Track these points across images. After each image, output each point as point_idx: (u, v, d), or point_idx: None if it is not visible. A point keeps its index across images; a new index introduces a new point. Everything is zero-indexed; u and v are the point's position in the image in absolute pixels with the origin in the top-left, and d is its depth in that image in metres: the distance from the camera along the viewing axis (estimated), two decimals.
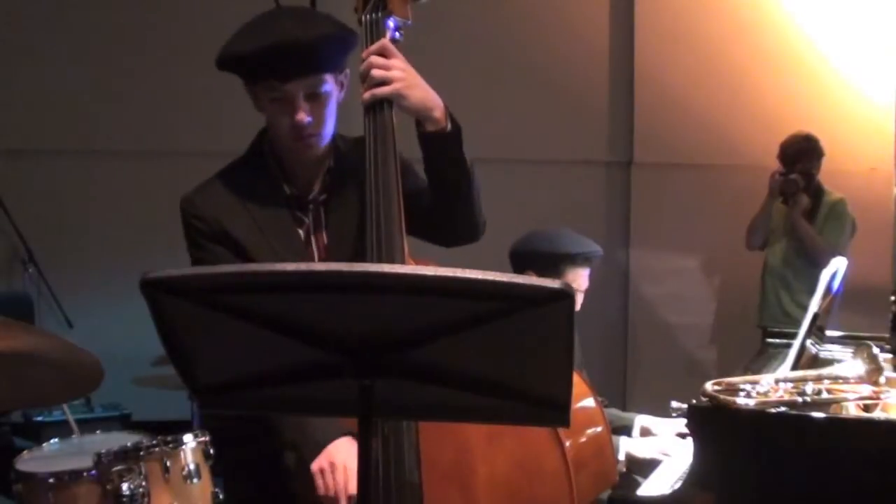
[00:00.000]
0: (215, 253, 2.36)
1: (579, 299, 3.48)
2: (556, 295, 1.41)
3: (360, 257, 2.29)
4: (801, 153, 5.32)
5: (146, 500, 2.86)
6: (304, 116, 2.32)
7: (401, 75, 2.27)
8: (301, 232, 2.43)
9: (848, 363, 2.57)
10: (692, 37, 6.02)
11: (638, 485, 2.96)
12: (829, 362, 2.82)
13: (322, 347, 1.52)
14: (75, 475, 2.93)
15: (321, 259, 2.41)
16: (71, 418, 3.60)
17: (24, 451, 3.21)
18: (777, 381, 2.51)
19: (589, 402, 2.57)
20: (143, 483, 2.86)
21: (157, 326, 1.52)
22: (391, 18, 2.36)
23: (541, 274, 3.42)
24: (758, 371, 2.95)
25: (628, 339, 6.26)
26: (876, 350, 2.55)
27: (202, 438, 2.98)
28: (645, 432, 3.45)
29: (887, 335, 3.09)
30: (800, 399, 2.42)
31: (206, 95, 5.43)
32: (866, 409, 2.51)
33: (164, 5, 5.97)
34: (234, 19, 2.42)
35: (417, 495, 2.23)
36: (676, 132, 6.03)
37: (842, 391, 2.48)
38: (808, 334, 2.82)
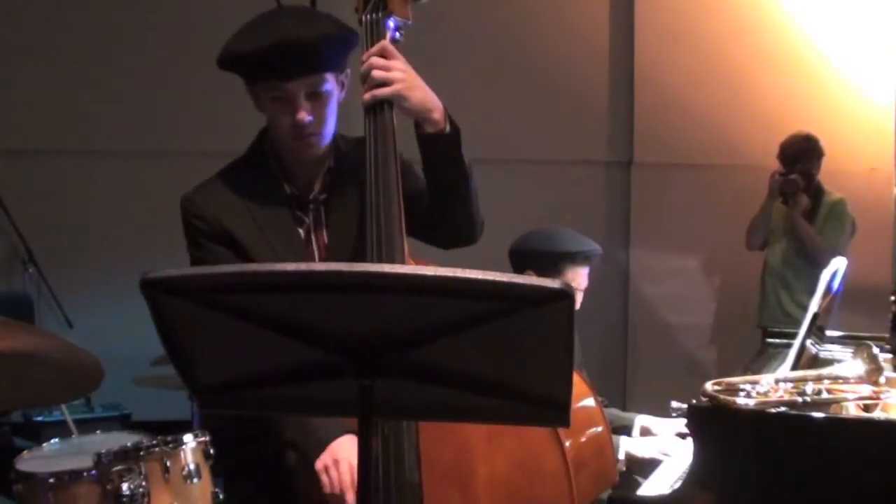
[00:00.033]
0: (215, 252, 2.36)
1: (579, 298, 3.48)
2: (556, 295, 1.41)
3: (360, 257, 2.29)
4: (801, 153, 5.32)
5: (146, 500, 2.86)
6: (305, 116, 2.33)
7: (401, 76, 2.27)
8: (301, 231, 2.43)
9: (848, 363, 2.57)
10: (692, 37, 6.02)
11: (638, 485, 2.96)
12: (829, 362, 2.82)
13: (322, 347, 1.52)
14: (75, 475, 2.93)
15: (321, 258, 2.41)
16: (69, 419, 3.61)
17: (24, 451, 3.21)
18: (777, 381, 2.51)
19: (589, 401, 2.57)
20: (143, 483, 2.86)
21: (157, 326, 1.52)
22: (391, 18, 2.36)
23: (540, 273, 3.42)
24: (758, 371, 2.95)
25: (628, 339, 6.26)
26: (876, 350, 2.55)
27: (202, 438, 2.98)
28: (645, 432, 3.45)
29: (887, 335, 3.09)
30: (800, 399, 2.42)
31: (206, 95, 5.44)
32: (866, 409, 2.51)
33: (164, 5, 5.97)
34: (235, 19, 2.42)
35: (417, 495, 2.22)
36: (676, 132, 6.03)
37: (842, 391, 2.48)
38: (808, 334, 2.82)
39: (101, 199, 5.96)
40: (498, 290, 1.42)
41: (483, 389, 1.55)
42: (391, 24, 2.36)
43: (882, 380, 2.50)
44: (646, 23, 6.09)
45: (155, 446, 2.91)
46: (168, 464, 2.89)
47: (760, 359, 3.32)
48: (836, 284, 2.99)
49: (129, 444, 2.93)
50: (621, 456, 3.27)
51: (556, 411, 1.56)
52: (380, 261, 2.23)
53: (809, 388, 2.45)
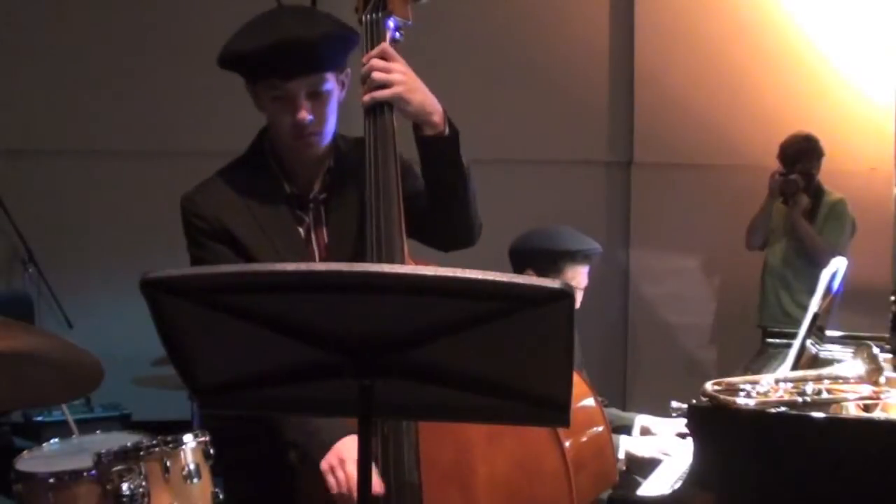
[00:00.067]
0: (216, 252, 2.36)
1: (579, 297, 3.48)
2: (556, 295, 1.41)
3: (360, 257, 2.29)
4: (801, 153, 5.32)
5: (146, 500, 2.86)
6: (305, 115, 2.33)
7: (402, 79, 2.28)
8: (301, 230, 2.43)
9: (848, 363, 2.57)
10: (692, 37, 6.02)
11: (638, 485, 2.96)
12: (829, 362, 2.82)
13: (322, 347, 1.52)
14: (75, 475, 2.93)
15: (321, 258, 2.41)
16: (70, 419, 3.60)
17: (24, 451, 3.21)
18: (777, 381, 2.51)
19: (589, 402, 2.57)
20: (143, 483, 2.86)
21: (157, 326, 1.52)
22: (391, 18, 2.36)
23: (540, 271, 3.42)
24: (758, 371, 2.95)
25: (628, 339, 6.26)
26: (876, 350, 2.55)
27: (202, 438, 2.98)
28: (645, 432, 3.45)
29: (887, 335, 3.09)
30: (800, 399, 2.42)
31: (206, 95, 5.44)
32: (866, 409, 2.51)
33: (164, 5, 5.97)
34: (235, 19, 2.42)
35: (417, 495, 2.23)
36: (676, 132, 6.03)
37: (842, 391, 2.48)
38: (808, 334, 2.82)
39: (101, 199, 5.96)
40: (498, 290, 1.42)
41: (483, 389, 1.55)
42: (391, 24, 2.36)
43: (882, 380, 2.50)
44: (646, 23, 6.09)
45: (155, 446, 2.91)
46: (168, 464, 2.89)
47: (760, 359, 3.32)
48: (836, 284, 2.99)
49: (129, 444, 2.93)
50: (621, 455, 3.27)
51: (556, 411, 1.56)
52: (380, 261, 2.24)
53: (809, 388, 2.45)
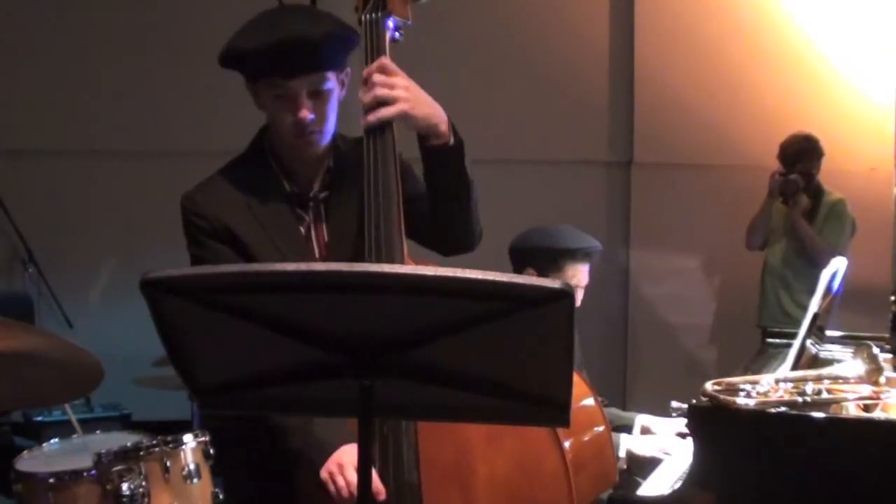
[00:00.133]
0: (216, 251, 2.36)
1: (579, 295, 3.48)
2: (556, 295, 1.41)
3: (360, 256, 2.29)
4: (801, 153, 5.32)
5: (146, 500, 2.86)
6: (307, 114, 2.33)
7: (405, 95, 2.25)
8: (302, 229, 2.43)
9: (848, 363, 2.57)
10: (692, 37, 6.02)
11: (638, 485, 2.96)
12: (829, 362, 2.82)
13: (322, 347, 1.52)
14: (75, 475, 2.93)
15: (321, 256, 2.41)
16: (73, 418, 3.60)
17: (24, 451, 3.21)
18: (777, 381, 2.51)
19: (589, 401, 2.57)
20: (143, 483, 2.86)
21: (157, 326, 1.52)
22: (391, 18, 2.36)
23: (541, 270, 3.43)
24: (758, 371, 2.95)
25: (628, 339, 6.26)
26: (876, 350, 2.55)
27: (202, 438, 2.98)
28: (645, 432, 3.45)
29: (887, 335, 3.09)
30: (800, 399, 2.42)
31: (205, 95, 5.44)
32: (866, 409, 2.51)
33: (164, 5, 5.97)
34: (235, 19, 2.42)
35: (417, 495, 2.23)
36: (676, 132, 6.03)
37: (842, 391, 2.48)
38: (808, 334, 2.82)
39: (101, 199, 5.96)
40: (498, 290, 1.42)
41: (483, 389, 1.55)
42: (391, 23, 2.36)
43: (882, 380, 2.50)
44: (646, 23, 6.09)
45: (155, 446, 2.91)
46: (168, 464, 2.89)
47: (760, 359, 3.32)
48: (836, 284, 2.99)
49: (129, 444, 2.93)
50: (622, 454, 3.27)
51: (556, 411, 1.56)
52: (379, 261, 2.23)
53: (809, 388, 2.45)
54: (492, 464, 2.30)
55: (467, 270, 1.41)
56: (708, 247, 6.07)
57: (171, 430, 3.01)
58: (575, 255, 3.48)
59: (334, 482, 2.19)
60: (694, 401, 2.47)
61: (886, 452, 2.34)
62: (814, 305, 2.89)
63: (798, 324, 2.91)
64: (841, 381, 2.51)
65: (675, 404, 2.63)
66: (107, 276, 5.64)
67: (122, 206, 5.89)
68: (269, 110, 2.39)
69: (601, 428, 2.59)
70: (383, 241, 2.25)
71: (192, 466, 2.94)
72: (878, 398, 2.47)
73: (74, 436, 3.43)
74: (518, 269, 3.49)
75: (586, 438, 2.53)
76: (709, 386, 2.47)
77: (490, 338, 1.48)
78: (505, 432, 2.26)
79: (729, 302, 6.04)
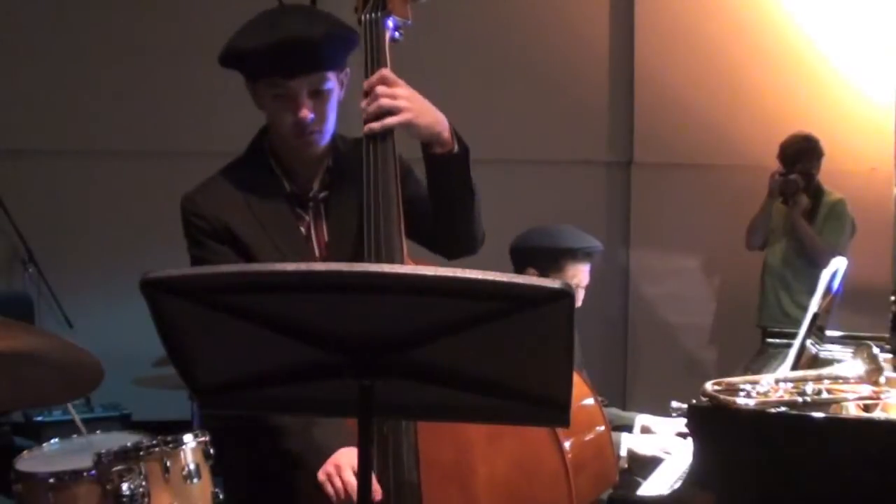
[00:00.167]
0: (216, 251, 2.36)
1: (580, 295, 3.49)
2: (556, 295, 1.41)
3: (360, 256, 2.29)
4: (801, 153, 5.32)
5: (146, 500, 2.86)
6: (307, 113, 2.33)
7: (408, 105, 2.27)
8: (302, 229, 2.43)
9: (848, 363, 2.57)
10: (692, 37, 6.02)
11: (638, 485, 2.96)
12: (829, 362, 2.82)
13: (322, 347, 1.52)
14: (75, 475, 2.94)
15: (321, 256, 2.41)
16: (77, 418, 3.60)
17: (24, 451, 3.21)
18: (777, 381, 2.51)
19: (589, 401, 2.57)
20: (143, 483, 2.86)
21: (157, 326, 1.52)
22: (391, 18, 2.36)
23: (542, 270, 3.43)
24: (758, 371, 2.95)
25: (628, 339, 6.26)
26: (876, 350, 2.55)
27: (202, 438, 2.99)
28: (645, 431, 3.45)
29: (887, 335, 3.09)
30: (800, 399, 2.42)
31: (205, 95, 5.44)
32: (866, 409, 2.51)
33: (164, 5, 5.97)
34: (235, 19, 2.42)
35: (416, 495, 2.23)
36: (676, 132, 6.03)
37: (842, 391, 2.48)
38: (808, 334, 2.82)
39: (101, 199, 5.97)
40: (498, 290, 1.42)
41: (483, 389, 1.55)
42: (390, 23, 2.36)
43: (882, 380, 2.50)
44: (646, 23, 6.09)
45: (155, 446, 2.91)
46: (168, 464, 2.90)
47: (760, 359, 3.32)
48: (836, 284, 2.99)
49: (129, 444, 2.93)
50: (623, 452, 3.27)
51: (556, 411, 1.56)
52: (379, 261, 2.23)
53: (809, 388, 2.45)
54: (492, 464, 2.30)
55: (467, 270, 1.41)
56: (708, 247, 6.07)
57: (171, 430, 3.01)
58: (576, 254, 3.48)
59: (332, 483, 2.20)
60: (694, 401, 2.47)
61: (886, 452, 2.34)
62: (814, 305, 2.89)
63: (798, 324, 2.91)
64: (841, 381, 2.51)
65: (675, 404, 2.63)
66: (107, 276, 5.63)
67: (122, 206, 5.89)
68: (268, 110, 2.39)
69: (601, 428, 2.59)
70: (383, 240, 2.25)
71: (192, 466, 2.94)
72: (878, 398, 2.47)
73: (75, 436, 3.43)
74: (519, 270, 3.49)
75: (586, 438, 2.53)
76: (709, 386, 2.47)
77: (490, 338, 1.48)
78: (505, 432, 2.26)
79: (729, 302, 6.04)
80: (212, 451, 2.98)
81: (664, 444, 3.28)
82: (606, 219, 6.18)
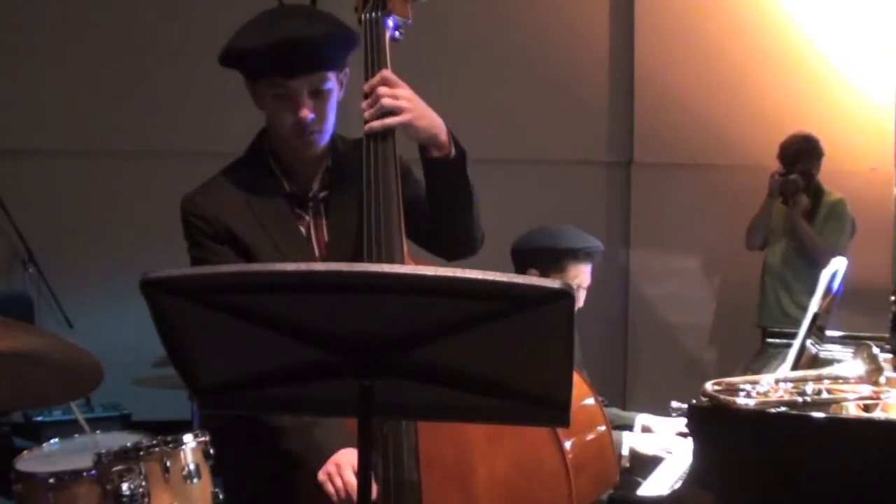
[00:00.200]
0: (217, 252, 2.36)
1: (582, 296, 3.49)
2: (556, 295, 1.41)
3: (360, 256, 2.29)
4: (801, 153, 5.32)
5: (146, 500, 2.86)
6: (307, 113, 2.33)
7: (409, 106, 2.28)
8: (302, 228, 2.43)
9: (848, 363, 2.57)
10: (692, 37, 6.02)
11: (638, 485, 2.96)
12: (829, 362, 2.82)
13: (322, 347, 1.52)
14: (75, 475, 2.93)
15: (321, 256, 2.41)
16: (81, 418, 3.59)
17: (24, 451, 3.21)
18: (777, 381, 2.51)
19: (589, 401, 2.57)
20: (143, 483, 2.86)
21: (157, 326, 1.52)
22: (391, 17, 2.36)
23: (543, 270, 3.43)
24: (758, 371, 2.95)
25: (628, 339, 6.26)
26: (876, 350, 2.55)
27: (202, 438, 2.99)
28: (646, 431, 3.45)
29: (887, 335, 3.09)
30: (800, 399, 2.42)
31: (205, 95, 5.45)
32: (866, 409, 2.51)
33: (164, 5, 5.97)
34: (235, 19, 2.42)
35: (417, 495, 2.23)
36: (676, 132, 6.03)
37: (842, 391, 2.48)
38: (808, 334, 2.82)
39: (101, 199, 5.96)
40: (498, 290, 1.42)
41: (483, 389, 1.55)
42: (390, 23, 2.37)
43: (882, 380, 2.50)
44: (646, 23, 6.09)
45: (155, 446, 2.91)
46: (168, 464, 2.89)
47: (760, 359, 3.32)
48: (836, 284, 2.99)
49: (129, 444, 2.93)
50: (625, 451, 3.28)
51: (556, 411, 1.56)
52: (379, 261, 2.24)
53: (809, 388, 2.45)
54: (492, 464, 2.30)
55: (467, 270, 1.41)
56: (708, 247, 6.07)
57: (171, 430, 3.01)
58: (577, 255, 3.48)
59: (332, 483, 2.20)
60: (694, 401, 2.47)
61: (886, 452, 2.34)
62: (814, 305, 2.89)
63: (798, 324, 2.91)
64: (841, 381, 2.51)
65: (675, 404, 2.63)
66: (107, 276, 5.63)
67: (122, 206, 5.89)
68: (268, 110, 2.39)
69: (602, 428, 2.59)
70: (384, 240, 2.25)
71: (192, 466, 2.94)
72: (878, 398, 2.47)
73: (76, 435, 3.43)
74: (521, 270, 3.49)
75: (587, 439, 2.53)
76: (709, 386, 2.47)
77: (490, 338, 1.48)
78: (505, 432, 2.26)
79: (729, 302, 6.04)
80: (212, 451, 2.98)
81: (666, 443, 3.28)
82: (606, 219, 6.18)
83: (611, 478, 2.62)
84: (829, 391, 2.46)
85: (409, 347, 1.51)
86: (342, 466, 2.20)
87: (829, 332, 3.23)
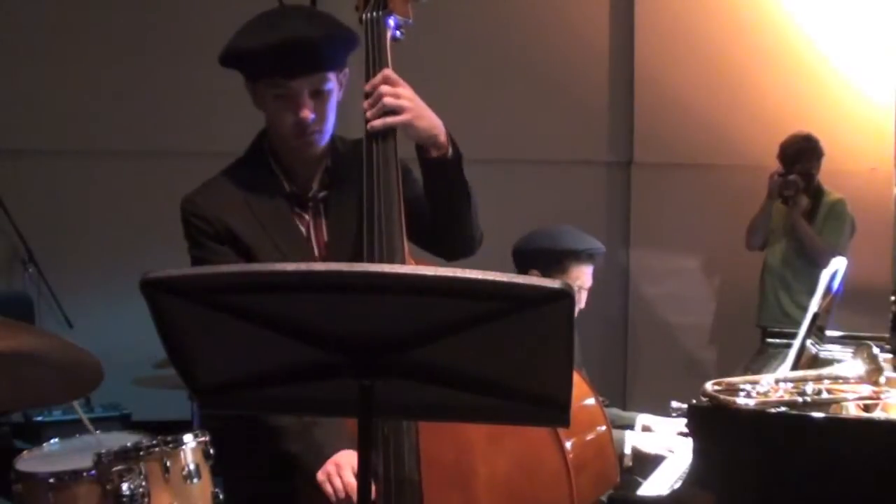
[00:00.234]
0: (217, 252, 2.36)
1: (583, 297, 3.49)
2: (556, 295, 1.41)
3: (360, 256, 2.29)
4: (801, 153, 5.31)
5: (146, 500, 2.86)
6: (308, 113, 2.33)
7: (410, 105, 2.28)
8: (302, 228, 2.43)
9: (848, 363, 2.57)
10: (692, 37, 6.02)
11: (638, 485, 2.96)
12: (829, 362, 2.82)
13: (322, 347, 1.52)
14: (75, 475, 2.93)
15: (321, 256, 2.41)
16: (85, 418, 3.59)
17: (24, 451, 3.21)
18: (777, 381, 2.51)
19: (590, 401, 2.57)
20: (143, 483, 2.86)
21: (157, 326, 1.52)
22: (392, 17, 2.36)
23: (545, 271, 3.43)
24: (758, 371, 2.95)
25: (628, 339, 6.26)
26: (876, 350, 2.55)
27: (202, 438, 2.99)
28: (646, 431, 3.45)
29: (887, 335, 3.09)
30: (800, 399, 2.42)
31: (205, 95, 5.45)
32: (866, 409, 2.51)
33: (164, 5, 5.97)
34: (235, 19, 2.42)
35: (417, 495, 2.23)
36: (676, 132, 6.03)
37: (842, 391, 2.48)
38: (808, 334, 2.82)
39: (101, 199, 5.96)
40: (498, 290, 1.42)
41: (483, 389, 1.55)
42: (391, 22, 2.37)
43: (882, 380, 2.50)
44: (646, 23, 6.09)
45: (155, 446, 2.91)
46: (168, 464, 2.90)
47: (760, 359, 3.32)
48: (835, 284, 2.99)
49: (129, 444, 2.93)
50: (628, 450, 3.28)
51: (556, 411, 1.56)
52: (380, 261, 2.24)
53: (809, 388, 2.45)
54: (492, 464, 2.30)
55: (467, 270, 1.41)
56: (708, 247, 6.07)
57: (171, 430, 3.01)
58: (579, 256, 3.49)
59: (331, 483, 2.20)
60: (694, 401, 2.47)
61: (886, 452, 2.34)
62: (814, 305, 2.89)
63: (798, 324, 2.91)
64: (841, 381, 2.51)
65: (675, 404, 2.63)
66: (107, 276, 5.63)
67: (122, 206, 5.89)
68: (268, 110, 2.39)
69: (602, 428, 2.58)
70: (384, 240, 2.25)
71: (192, 466, 2.94)
72: (878, 398, 2.47)
73: (77, 435, 3.43)
74: (522, 271, 3.49)
75: (588, 438, 2.53)
76: (709, 386, 2.47)
77: (490, 338, 1.48)
78: (506, 432, 2.26)
79: (729, 302, 6.04)
80: (212, 451, 2.98)
81: (668, 442, 3.28)
82: (606, 219, 6.18)
83: (611, 478, 2.62)
84: (829, 391, 2.46)
85: (409, 347, 1.51)
86: (342, 467, 2.20)
87: (829, 332, 3.23)
